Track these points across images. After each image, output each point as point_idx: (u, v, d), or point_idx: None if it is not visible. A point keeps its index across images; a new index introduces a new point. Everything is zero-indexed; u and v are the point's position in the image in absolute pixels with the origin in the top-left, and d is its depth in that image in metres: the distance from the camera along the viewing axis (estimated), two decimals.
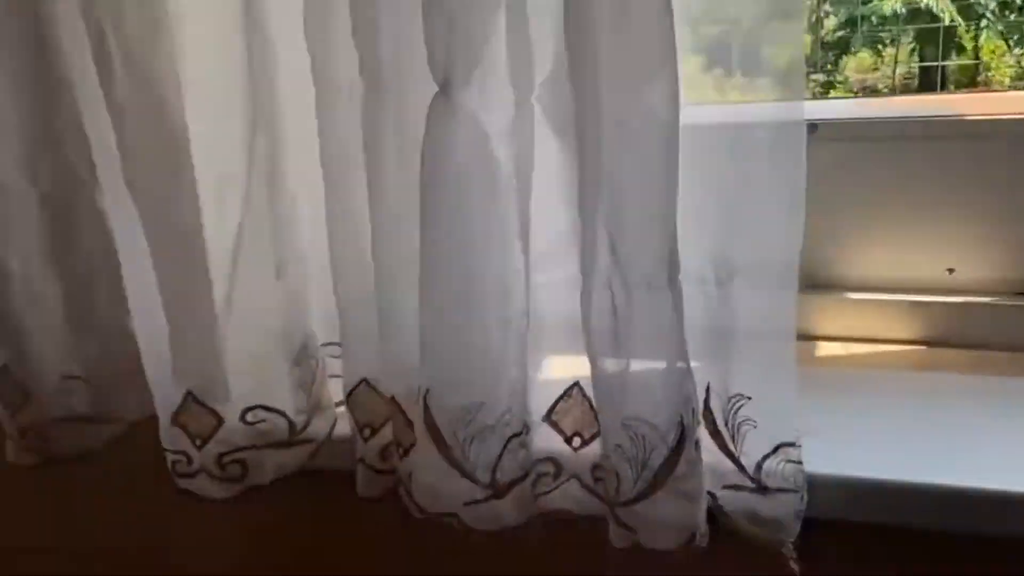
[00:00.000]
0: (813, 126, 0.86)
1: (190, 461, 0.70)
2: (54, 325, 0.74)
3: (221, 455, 0.69)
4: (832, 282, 0.89)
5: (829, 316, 0.87)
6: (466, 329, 0.58)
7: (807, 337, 0.86)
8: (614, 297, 0.54)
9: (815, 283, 0.88)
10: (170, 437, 0.70)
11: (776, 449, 0.60)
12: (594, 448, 0.61)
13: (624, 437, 0.56)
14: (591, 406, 0.60)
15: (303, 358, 0.70)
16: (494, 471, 0.60)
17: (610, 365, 0.55)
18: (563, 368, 0.61)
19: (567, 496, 0.63)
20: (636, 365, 0.55)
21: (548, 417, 0.62)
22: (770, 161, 0.56)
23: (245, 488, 0.71)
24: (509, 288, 0.57)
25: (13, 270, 0.72)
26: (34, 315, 0.73)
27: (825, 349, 0.86)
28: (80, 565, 0.93)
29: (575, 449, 0.63)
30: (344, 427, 0.71)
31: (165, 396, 0.69)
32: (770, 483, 0.60)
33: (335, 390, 0.72)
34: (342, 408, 0.71)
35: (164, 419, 0.69)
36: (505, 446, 0.59)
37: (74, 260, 0.73)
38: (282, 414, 0.69)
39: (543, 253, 0.58)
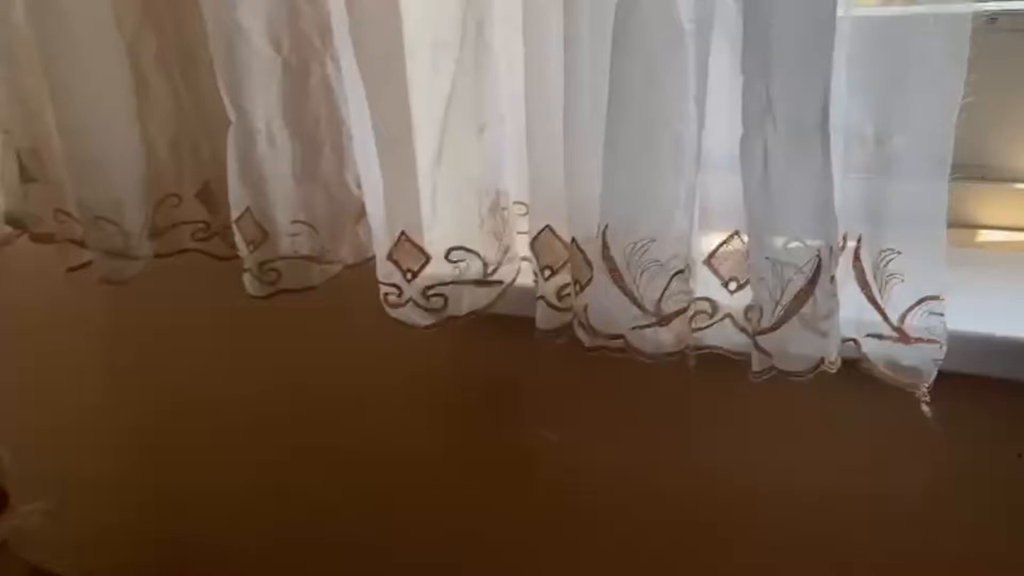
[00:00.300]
0: (993, 18, 0.87)
1: (400, 293, 0.83)
2: (287, 176, 0.87)
3: (426, 288, 0.82)
4: (1000, 172, 0.90)
5: (995, 206, 0.89)
6: (643, 174, 0.67)
7: (973, 225, 0.89)
8: (767, 142, 0.61)
9: (982, 173, 0.90)
10: (385, 271, 0.82)
11: (920, 301, 0.65)
12: (749, 291, 0.69)
13: (767, 270, 0.64)
14: (747, 252, 0.68)
15: (496, 209, 0.81)
16: (659, 302, 0.69)
17: (761, 205, 0.63)
18: (726, 216, 0.69)
19: (720, 334, 0.72)
20: (784, 205, 0.63)
21: (709, 260, 0.71)
22: (933, 44, 0.61)
23: (443, 319, 0.83)
24: (683, 139, 0.65)
25: (258, 127, 0.85)
26: (272, 167, 0.87)
27: (987, 236, 0.88)
28: (295, 389, 1.11)
29: (731, 292, 0.71)
30: (525, 279, 0.83)
31: (382, 236, 0.82)
32: (912, 333, 0.66)
33: (521, 245, 0.83)
34: (525, 262, 0.83)
35: (380, 255, 0.82)
36: (670, 281, 0.69)
37: (305, 119, 0.86)
38: (478, 256, 0.81)
39: (712, 107, 0.65)
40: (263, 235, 0.88)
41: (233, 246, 0.92)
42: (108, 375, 1.25)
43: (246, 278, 0.90)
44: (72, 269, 1.01)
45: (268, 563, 1.23)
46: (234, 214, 0.88)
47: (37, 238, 1.03)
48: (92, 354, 1.25)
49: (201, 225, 1.00)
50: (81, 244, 1.00)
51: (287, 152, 0.87)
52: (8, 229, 1.05)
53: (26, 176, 1.00)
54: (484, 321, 0.86)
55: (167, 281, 1.10)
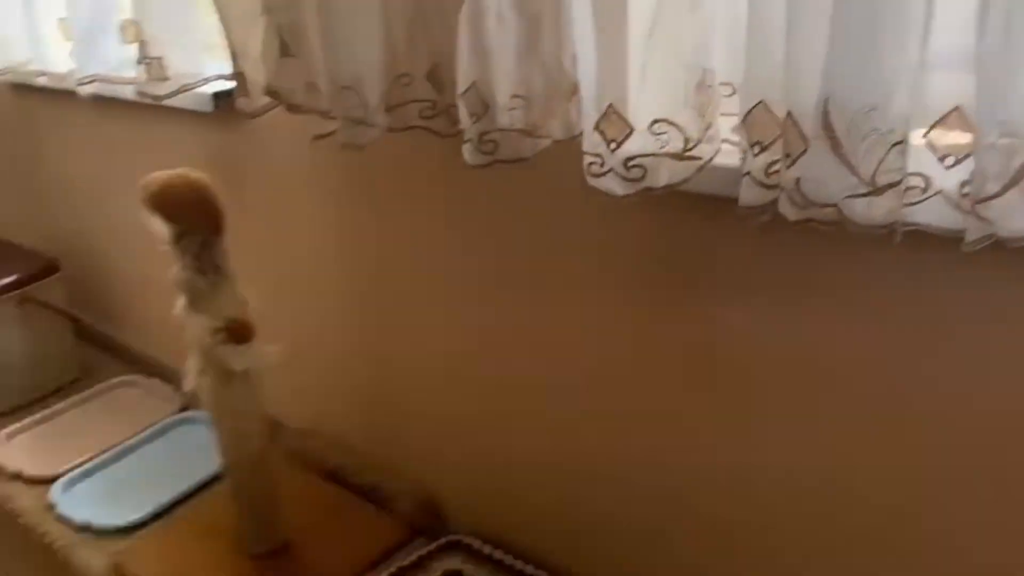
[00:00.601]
0: None
1: (603, 163, 0.88)
2: (511, 52, 0.94)
3: (627, 159, 0.86)
4: None
5: None
6: (869, 43, 0.67)
7: None
8: (1011, 12, 0.59)
9: None
10: (590, 142, 0.87)
11: None
12: (966, 167, 0.68)
13: (995, 136, 0.62)
14: (968, 128, 0.67)
15: (703, 87, 0.83)
16: (874, 173, 0.69)
17: (993, 73, 0.61)
18: (949, 90, 0.68)
19: (930, 211, 0.72)
20: (1018, 74, 0.60)
21: (927, 135, 0.70)
22: None
23: (641, 190, 0.87)
24: (909, 10, 0.64)
25: (488, 5, 0.92)
26: (499, 43, 0.93)
27: None
28: (498, 257, 1.19)
29: (946, 168, 0.70)
30: (723, 160, 0.85)
31: (591, 108, 0.86)
32: None
33: (723, 126, 0.85)
34: (724, 145, 0.85)
35: (587, 126, 0.87)
36: (888, 152, 0.69)
37: None
38: (680, 130, 0.84)
39: None
40: (485, 108, 0.96)
41: (455, 123, 1.01)
42: (338, 234, 1.40)
43: (466, 148, 0.98)
44: (318, 137, 1.14)
45: (473, 428, 1.34)
46: (461, 87, 0.96)
47: (291, 108, 1.16)
48: (325, 215, 1.40)
49: (428, 104, 1.09)
50: (326, 115, 1.13)
51: (513, 29, 0.93)
52: (266, 100, 1.20)
53: (284, 51, 1.14)
54: (679, 198, 0.89)
55: (395, 152, 1.21)
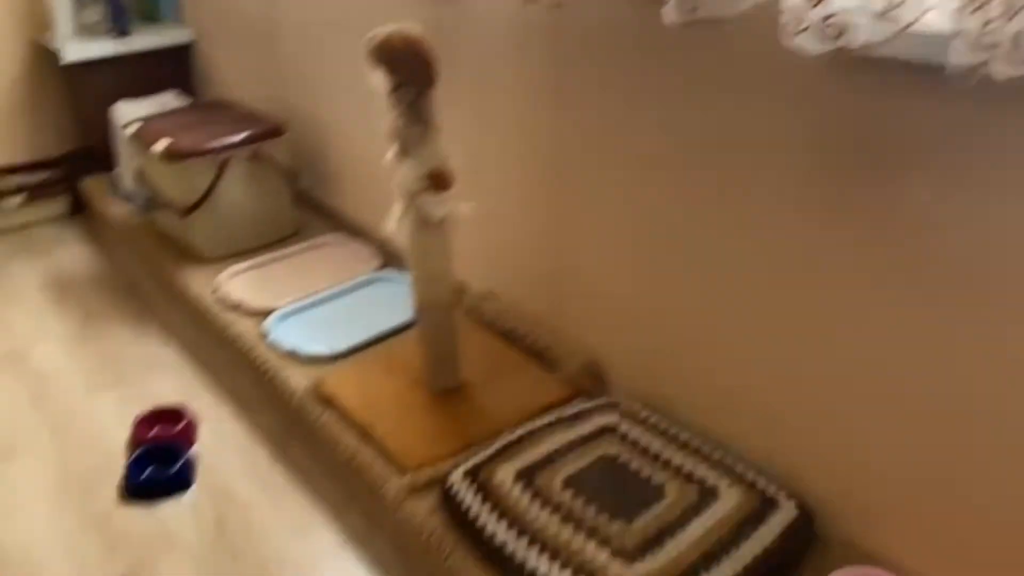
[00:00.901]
0: None
1: (800, 21, 0.89)
2: None
3: (827, 16, 0.87)
4: None
5: None
6: None
7: None
8: None
9: None
10: (791, 5, 0.89)
11: None
12: None
13: None
14: None
15: None
16: None
17: None
18: None
19: None
20: None
21: None
22: None
23: (836, 48, 0.88)
24: None
25: None
26: None
27: None
28: (696, 133, 1.23)
29: None
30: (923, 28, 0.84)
31: None
32: None
33: None
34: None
35: None
36: None
37: None
38: None
39: None
40: None
41: None
42: (532, 106, 1.48)
43: (667, 8, 1.02)
44: (528, 1, 1.22)
45: (640, 302, 1.41)
46: None
47: None
48: (522, 87, 1.49)
49: None
50: None
51: None
52: None
53: None
54: (874, 66, 0.89)
55: (592, 26, 1.26)
